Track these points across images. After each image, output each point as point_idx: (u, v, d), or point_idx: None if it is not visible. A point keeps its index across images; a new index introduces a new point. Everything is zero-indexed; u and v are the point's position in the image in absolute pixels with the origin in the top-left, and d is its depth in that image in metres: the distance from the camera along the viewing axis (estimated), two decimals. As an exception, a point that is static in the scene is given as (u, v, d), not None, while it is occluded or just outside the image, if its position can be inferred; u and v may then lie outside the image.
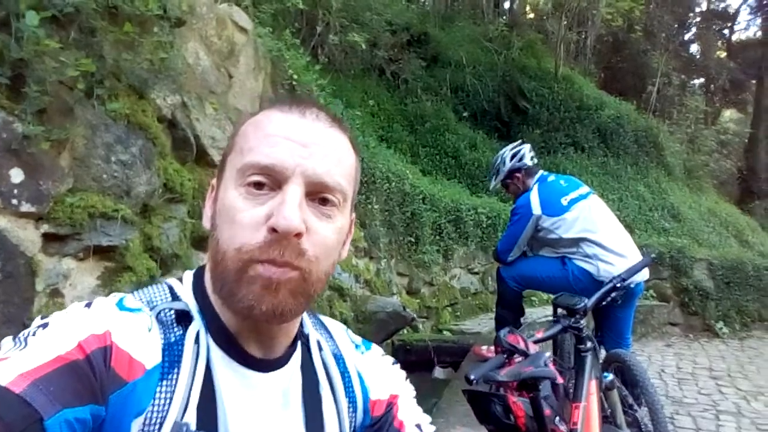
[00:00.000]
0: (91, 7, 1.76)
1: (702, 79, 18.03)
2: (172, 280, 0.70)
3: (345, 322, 3.83)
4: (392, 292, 4.99)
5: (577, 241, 3.04)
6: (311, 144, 0.63)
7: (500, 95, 10.44)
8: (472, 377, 1.67)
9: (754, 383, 5.07)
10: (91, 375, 0.54)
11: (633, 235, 8.14)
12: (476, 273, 6.77)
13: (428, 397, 3.65)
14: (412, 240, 5.40)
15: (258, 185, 0.61)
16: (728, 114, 20.68)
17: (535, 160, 3.41)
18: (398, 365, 0.83)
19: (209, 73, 2.77)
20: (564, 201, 3.14)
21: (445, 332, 5.35)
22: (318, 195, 0.62)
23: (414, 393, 0.81)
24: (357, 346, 0.81)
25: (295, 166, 0.61)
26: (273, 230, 0.58)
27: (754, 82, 16.08)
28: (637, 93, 13.56)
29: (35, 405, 0.49)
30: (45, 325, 0.57)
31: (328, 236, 0.63)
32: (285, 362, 0.69)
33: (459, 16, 12.55)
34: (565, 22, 11.60)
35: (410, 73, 9.87)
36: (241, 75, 3.12)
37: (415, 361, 4.37)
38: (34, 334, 0.55)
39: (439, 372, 4.10)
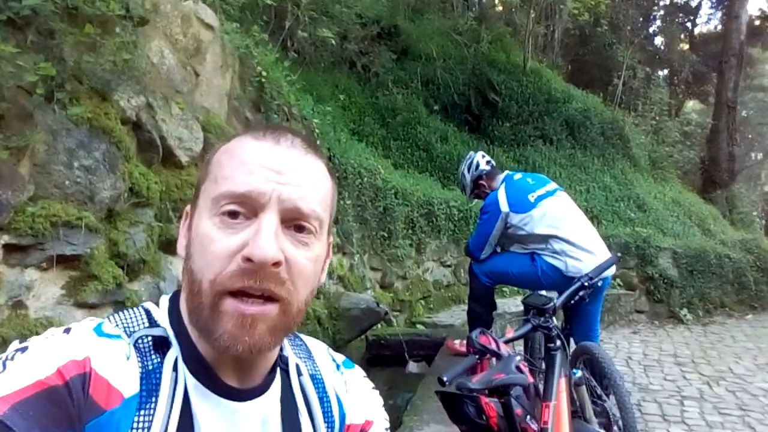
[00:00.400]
0: (49, 8, 1.71)
1: (666, 71, 18.47)
2: (149, 304, 0.69)
3: (319, 319, 3.83)
4: (366, 287, 5.00)
5: (545, 238, 3.09)
6: (286, 171, 0.62)
7: (470, 88, 10.49)
8: (444, 379, 1.69)
9: (716, 368, 5.25)
10: (69, 401, 0.53)
11: (600, 225, 8.38)
12: (449, 266, 6.84)
13: (402, 392, 3.68)
14: (385, 234, 5.41)
15: (233, 214, 0.60)
16: (691, 105, 21.24)
17: (492, 163, 3.51)
18: (377, 391, 0.83)
19: (175, 72, 2.72)
20: (531, 198, 3.19)
21: (418, 325, 5.39)
22: (294, 222, 0.62)
23: (388, 423, 0.81)
24: (338, 366, 0.81)
25: (272, 192, 0.60)
26: (248, 260, 0.58)
27: (715, 74, 16.52)
28: (603, 85, 13.78)
29: (15, 429, 0.48)
30: (24, 349, 0.56)
31: (305, 264, 0.62)
32: (264, 390, 0.68)
33: (429, 9, 12.53)
34: (533, 16, 11.70)
35: (381, 66, 9.83)
36: (208, 73, 3.06)
37: (389, 355, 4.40)
38: (12, 358, 0.55)
39: (412, 366, 4.13)
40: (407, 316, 5.69)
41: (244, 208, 0.60)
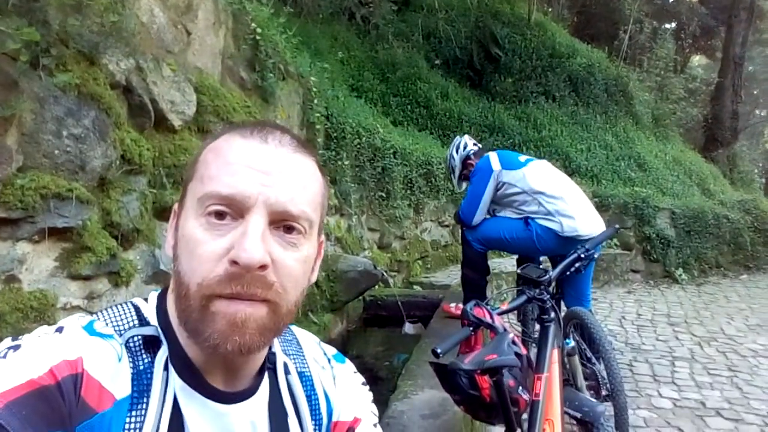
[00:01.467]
0: (29, -31, 1.63)
1: (673, 24, 17.99)
2: (138, 300, 0.69)
3: (317, 282, 3.85)
4: (363, 247, 5.02)
5: (536, 196, 3.07)
6: (274, 171, 0.61)
7: (473, 42, 10.23)
8: (438, 351, 1.71)
9: (708, 329, 5.34)
10: (61, 402, 0.54)
11: (599, 185, 8.34)
12: (446, 225, 6.85)
13: (399, 353, 3.75)
14: (383, 195, 5.39)
15: (219, 215, 0.59)
16: (697, 60, 20.79)
17: (479, 144, 3.55)
18: (367, 386, 0.83)
19: (165, 31, 2.63)
20: (521, 158, 3.26)
21: (415, 286, 5.44)
22: (282, 223, 0.61)
23: (377, 419, 0.82)
24: (328, 360, 0.81)
25: (257, 195, 0.59)
26: (234, 263, 0.57)
27: (723, 28, 16.09)
28: (609, 39, 13.43)
29: (9, 428, 0.49)
30: (16, 348, 0.56)
31: (294, 266, 0.61)
32: (252, 393, 0.68)
33: (431, -43, 12.08)
34: (540, -35, 11.30)
35: (381, 18, 9.54)
36: (200, 31, 2.97)
37: (385, 316, 4.46)
38: (4, 356, 0.55)
39: (409, 327, 4.19)
40: (405, 276, 5.74)
41: (231, 209, 0.59)
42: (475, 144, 3.50)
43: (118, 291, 1.95)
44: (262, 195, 0.59)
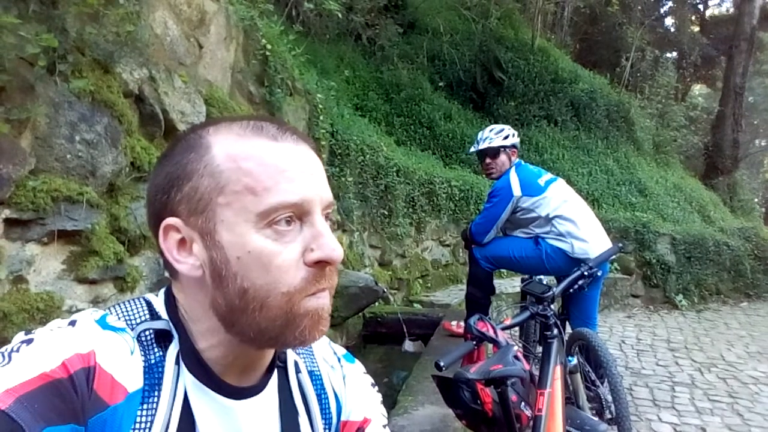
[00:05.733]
0: (51, -22, 1.67)
1: (675, 54, 18.23)
2: (150, 296, 0.69)
3: (317, 296, 3.84)
4: (364, 264, 5.02)
5: (551, 219, 3.10)
6: (315, 172, 0.64)
7: (476, 65, 10.36)
8: (441, 364, 1.71)
9: (708, 355, 5.31)
10: (74, 395, 0.54)
11: (600, 209, 8.37)
12: (447, 245, 6.86)
13: (398, 370, 3.73)
14: (386, 212, 5.41)
15: (287, 223, 0.61)
16: (698, 89, 21.01)
17: (517, 147, 3.52)
18: (376, 387, 0.84)
19: (178, 44, 2.68)
20: (541, 182, 3.24)
21: (415, 304, 5.43)
22: (324, 213, 0.65)
23: (386, 420, 0.82)
24: (338, 360, 0.81)
25: (316, 197, 0.62)
26: (321, 263, 0.60)
27: (724, 58, 16.31)
28: (611, 66, 13.62)
29: (20, 421, 0.49)
30: (29, 341, 0.56)
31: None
32: (261, 389, 0.68)
33: (437, -18, 12.29)
34: (544, -8, 11.50)
35: (387, 40, 9.67)
36: (212, 45, 3.02)
37: (385, 333, 4.44)
38: (17, 350, 0.55)
39: (409, 345, 4.16)
40: (405, 294, 5.72)
41: (294, 215, 0.61)
42: (514, 147, 3.41)
43: (124, 296, 1.96)
44: (318, 195, 0.62)
